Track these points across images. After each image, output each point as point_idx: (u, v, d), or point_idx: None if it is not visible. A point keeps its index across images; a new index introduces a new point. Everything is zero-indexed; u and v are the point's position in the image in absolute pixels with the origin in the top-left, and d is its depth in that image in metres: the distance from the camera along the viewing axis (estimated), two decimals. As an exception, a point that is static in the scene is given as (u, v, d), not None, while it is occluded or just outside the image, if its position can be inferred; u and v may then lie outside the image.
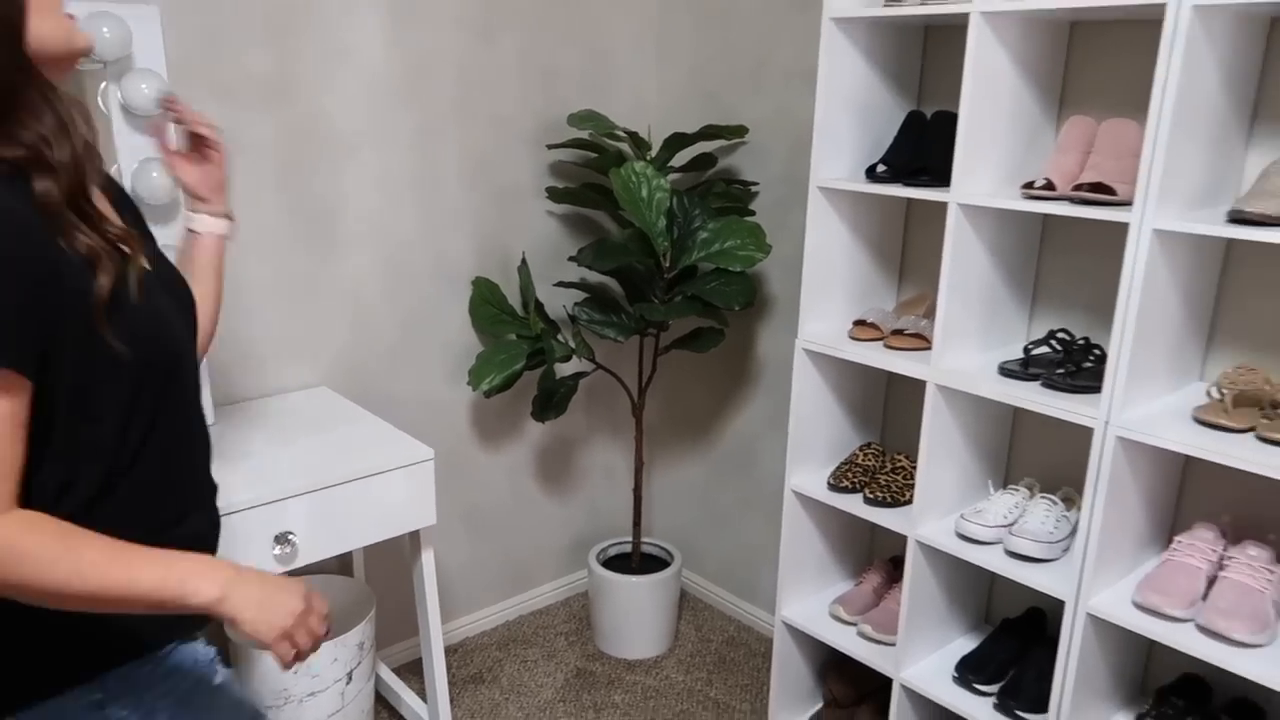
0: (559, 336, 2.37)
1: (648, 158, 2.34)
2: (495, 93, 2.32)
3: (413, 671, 2.43)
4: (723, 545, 2.76)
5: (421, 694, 2.19)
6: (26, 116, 0.86)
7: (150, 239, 1.09)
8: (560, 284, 2.43)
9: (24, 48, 0.86)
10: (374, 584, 2.37)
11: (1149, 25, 1.69)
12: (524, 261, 2.36)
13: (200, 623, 1.06)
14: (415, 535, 1.92)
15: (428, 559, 1.94)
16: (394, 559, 2.41)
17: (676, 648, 2.61)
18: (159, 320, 0.97)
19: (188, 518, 1.03)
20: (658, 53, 2.60)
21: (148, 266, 0.96)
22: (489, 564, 2.64)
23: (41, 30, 0.87)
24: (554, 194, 2.42)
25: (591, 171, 2.44)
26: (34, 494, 0.87)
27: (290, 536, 1.67)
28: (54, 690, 0.93)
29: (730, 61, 2.43)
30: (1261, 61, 1.58)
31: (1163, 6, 1.41)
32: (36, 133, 0.86)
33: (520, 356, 2.26)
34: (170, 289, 1.05)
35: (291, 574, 2.00)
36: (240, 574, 0.93)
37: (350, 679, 1.99)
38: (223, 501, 1.60)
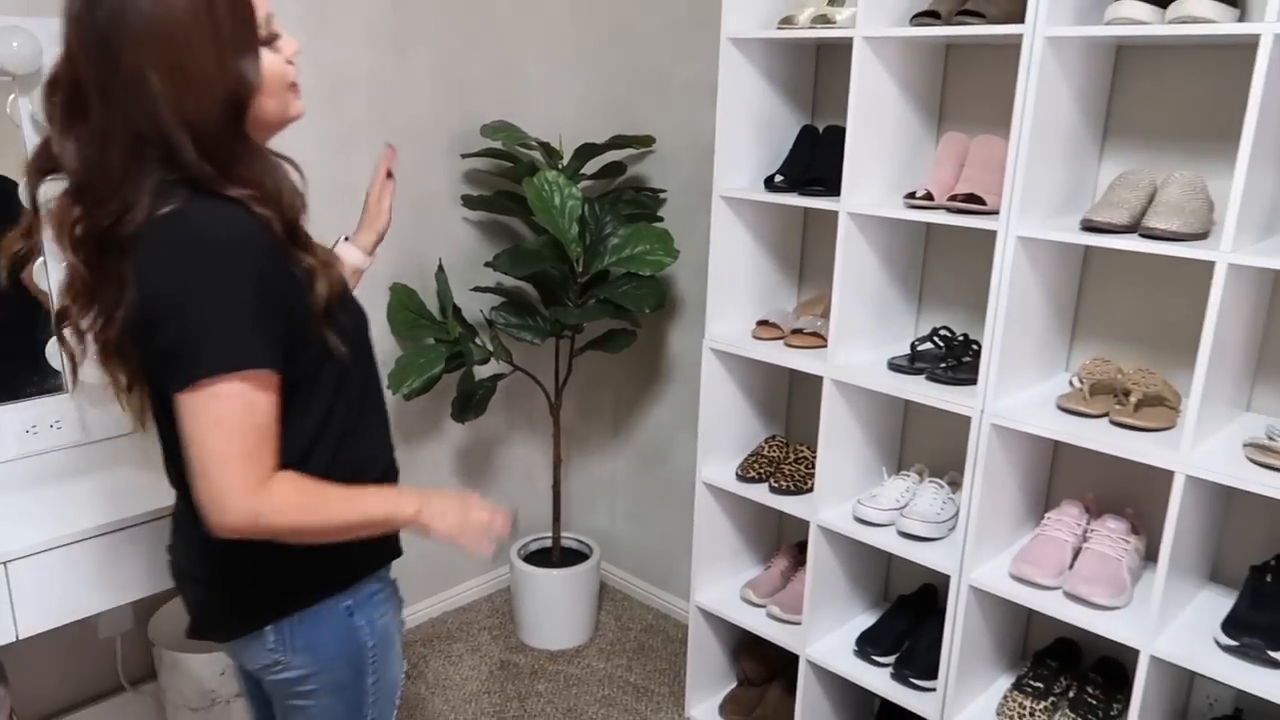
0: (477, 340, 2.45)
1: (559, 167, 2.43)
2: (409, 104, 2.38)
3: (338, 671, 2.47)
4: (639, 537, 2.88)
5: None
6: (243, 169, 1.06)
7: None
8: (477, 289, 2.51)
9: (245, 122, 1.07)
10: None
11: (1014, 49, 1.85)
12: (441, 268, 2.43)
13: (397, 550, 1.37)
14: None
15: (352, 559, 2.00)
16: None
17: (597, 637, 2.71)
18: (356, 316, 1.23)
19: (380, 464, 1.30)
20: (568, 66, 2.69)
21: (346, 278, 1.20)
22: (411, 563, 2.69)
23: (266, 107, 1.10)
24: (469, 202, 2.49)
25: (505, 180, 2.52)
26: (282, 459, 1.09)
27: (217, 541, 1.72)
28: (319, 598, 1.22)
29: (637, 75, 2.54)
30: (1110, 84, 1.75)
31: (1020, 36, 1.57)
32: (255, 178, 1.06)
33: (439, 360, 2.32)
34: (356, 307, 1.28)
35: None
36: (427, 494, 1.21)
37: (277, 679, 2.03)
38: (159, 505, 1.65)
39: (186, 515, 1.19)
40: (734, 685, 2.44)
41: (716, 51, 2.26)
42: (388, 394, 2.45)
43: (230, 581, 1.22)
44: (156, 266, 1.03)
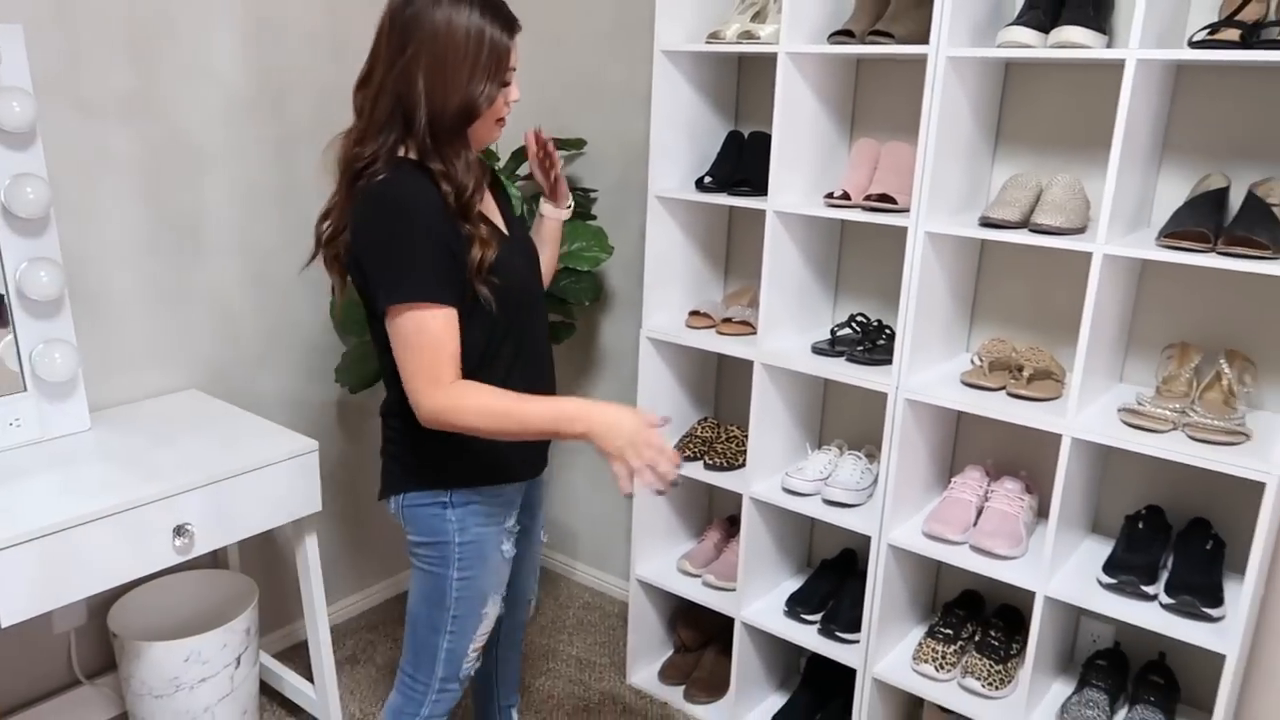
0: (420, 334, 2.54)
1: (497, 167, 2.54)
2: (349, 110, 2.45)
3: (289, 658, 2.54)
4: (577, 521, 3.02)
5: (305, 675, 2.32)
6: (450, 154, 1.43)
7: (519, 223, 1.71)
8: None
9: (468, 128, 1.44)
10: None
11: (919, 65, 2.07)
12: (384, 265, 2.51)
13: (532, 471, 1.67)
14: (299, 522, 2.05)
15: (311, 543, 2.09)
16: (266, 552, 2.51)
17: (538, 616, 2.84)
18: (510, 276, 1.50)
19: (537, 389, 1.53)
20: (499, 69, 2.80)
21: (495, 253, 1.46)
22: (356, 552, 2.78)
23: (480, 130, 1.48)
24: (409, 201, 2.58)
25: (444, 180, 2.62)
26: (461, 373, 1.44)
27: (188, 528, 1.79)
28: (421, 486, 1.56)
29: (568, 81, 2.68)
30: (1001, 98, 1.99)
31: (925, 56, 1.77)
32: (452, 162, 1.42)
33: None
34: (524, 253, 1.62)
35: (186, 565, 2.11)
36: (596, 413, 1.41)
37: (239, 663, 2.10)
38: (121, 499, 1.71)
39: (384, 402, 1.60)
40: (671, 653, 2.62)
41: (644, 59, 2.43)
42: (331, 388, 2.55)
43: (384, 457, 1.62)
44: (365, 219, 1.40)
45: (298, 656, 2.54)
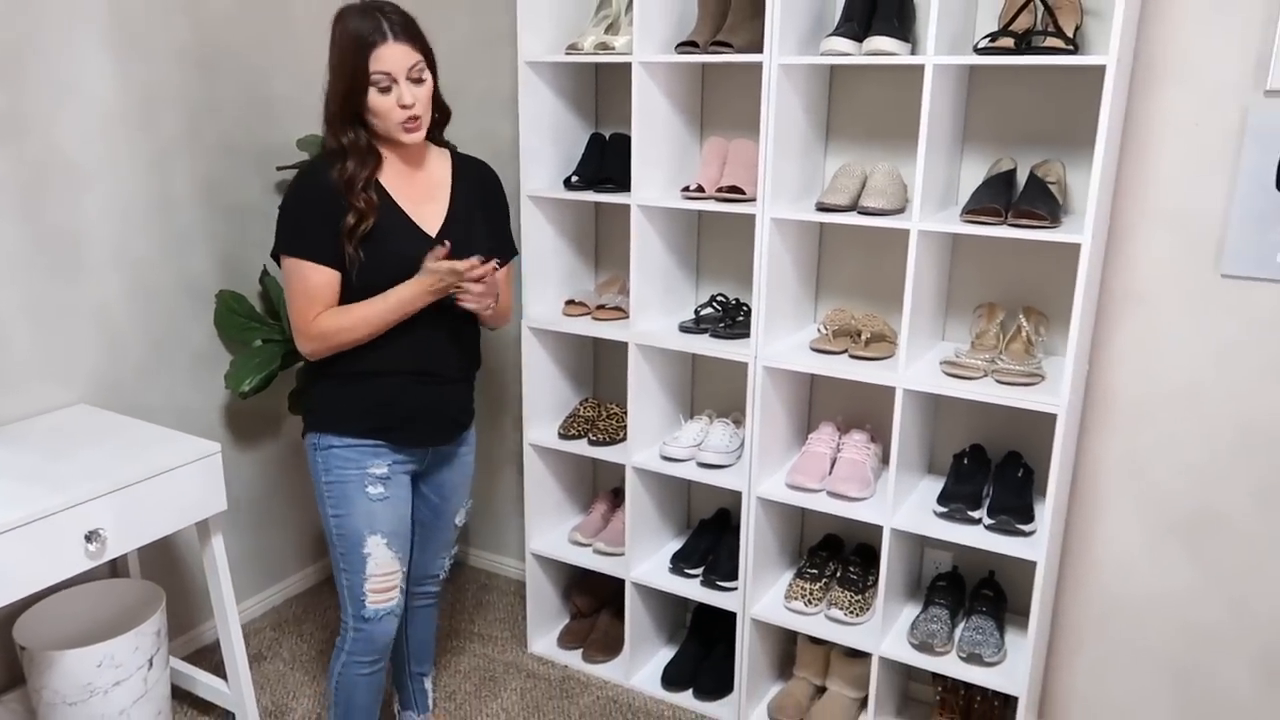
0: (306, 338, 2.64)
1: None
2: (220, 121, 2.53)
3: (194, 661, 2.59)
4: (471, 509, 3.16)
5: (216, 673, 2.39)
6: (343, 140, 1.79)
7: (455, 219, 1.93)
8: (302, 291, 2.70)
9: (358, 119, 1.79)
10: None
11: (757, 71, 2.32)
12: (265, 272, 2.60)
13: (409, 440, 1.92)
14: (204, 523, 2.13)
15: (218, 543, 2.17)
16: (165, 559, 2.56)
17: (439, 602, 2.97)
18: (384, 247, 1.80)
19: (403, 361, 1.88)
20: (366, 80, 2.91)
21: (368, 226, 1.78)
22: (251, 556, 2.84)
23: (375, 122, 1.80)
24: (287, 210, 2.67)
25: (321, 189, 2.72)
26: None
27: (100, 533, 1.86)
28: (306, 430, 1.92)
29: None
30: (828, 98, 2.26)
31: (760, 63, 2.02)
32: (344, 146, 1.79)
33: (276, 357, 2.51)
34: (419, 239, 1.85)
35: (86, 577, 2.14)
36: (409, 281, 1.80)
37: (151, 665, 2.16)
38: (31, 509, 1.78)
39: None
40: (568, 620, 2.80)
41: (505, 67, 2.60)
42: (217, 396, 2.62)
43: None
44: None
45: (203, 660, 2.59)
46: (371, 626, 1.92)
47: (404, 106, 1.76)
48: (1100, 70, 1.72)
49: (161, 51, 2.37)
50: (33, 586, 1.77)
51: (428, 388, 1.91)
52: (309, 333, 1.81)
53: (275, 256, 1.83)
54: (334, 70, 1.77)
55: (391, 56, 1.73)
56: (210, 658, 2.62)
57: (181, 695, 2.46)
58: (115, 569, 2.41)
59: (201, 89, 2.47)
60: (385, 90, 1.75)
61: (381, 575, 1.90)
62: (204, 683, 2.39)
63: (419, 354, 1.88)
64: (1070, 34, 1.83)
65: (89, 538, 1.84)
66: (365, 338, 1.81)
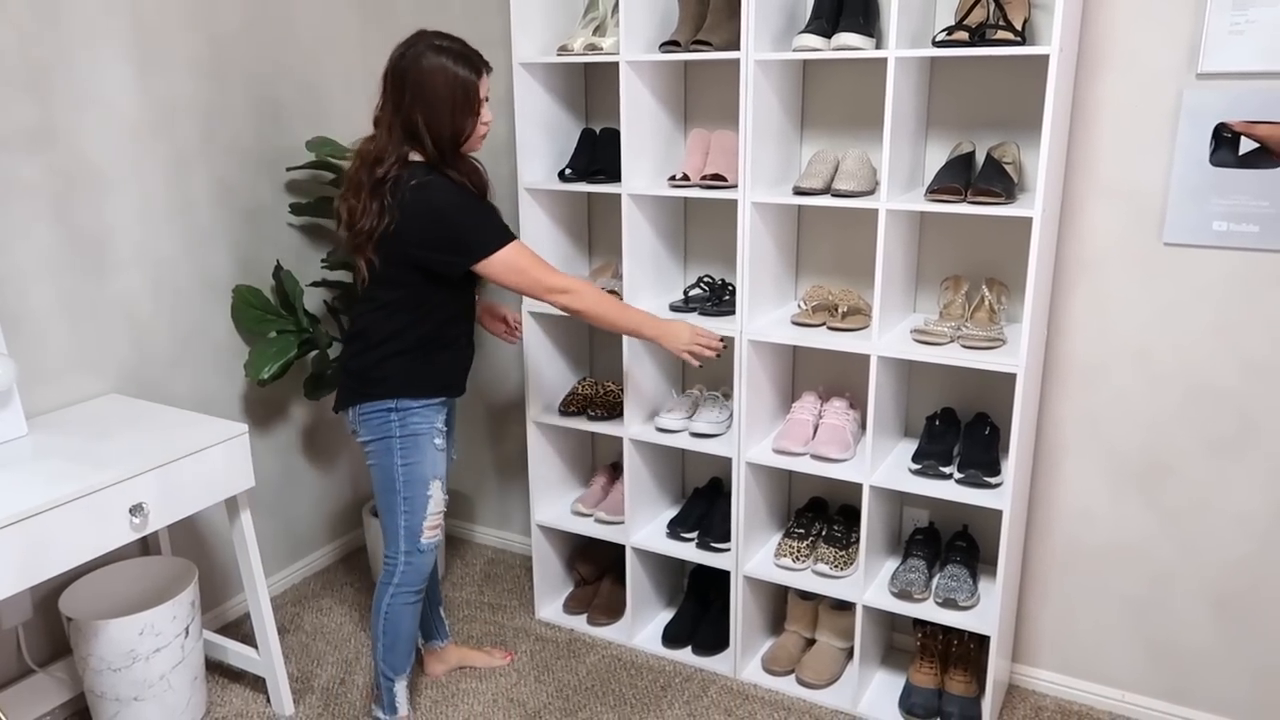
0: (320, 327, 2.80)
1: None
2: (232, 127, 2.70)
3: (223, 634, 2.75)
4: (475, 488, 3.33)
5: (247, 642, 2.55)
6: (458, 163, 2.07)
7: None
8: (314, 284, 2.86)
9: (460, 146, 2.04)
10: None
11: (735, 67, 2.49)
12: (279, 266, 2.76)
13: (456, 392, 2.22)
14: (233, 500, 2.30)
15: (246, 517, 2.33)
16: (193, 539, 2.72)
17: (449, 575, 3.14)
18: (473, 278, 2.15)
19: (460, 344, 2.26)
20: (365, 83, 3.07)
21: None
22: (269, 536, 3.01)
23: (469, 143, 2.06)
24: (297, 209, 2.84)
25: (330, 187, 2.88)
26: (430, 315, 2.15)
27: (144, 506, 2.02)
28: (375, 398, 2.13)
29: (433, 91, 2.98)
30: (802, 90, 2.44)
31: (738, 59, 2.19)
32: (459, 169, 2.07)
33: (292, 346, 2.67)
34: None
35: (121, 555, 2.30)
36: (668, 324, 2.21)
37: (188, 634, 2.33)
38: (80, 485, 1.94)
39: (350, 329, 2.23)
40: (572, 587, 2.98)
41: (500, 68, 2.76)
42: (238, 384, 2.77)
43: (345, 375, 2.21)
44: (425, 213, 1.99)
45: (230, 633, 2.76)
46: (423, 558, 2.22)
47: (486, 123, 2.07)
48: (1045, 59, 1.90)
49: (178, 65, 2.53)
50: (84, 556, 1.93)
51: (469, 350, 2.26)
52: (563, 282, 2.11)
53: (487, 255, 2.03)
54: (443, 105, 1.98)
55: (484, 85, 2.05)
56: (237, 631, 2.78)
57: (213, 666, 2.63)
58: (147, 548, 2.57)
59: (215, 98, 2.63)
60: (479, 114, 2.05)
61: (437, 513, 2.21)
62: (235, 651, 2.56)
63: (472, 325, 2.25)
64: (1019, 26, 2.01)
65: (133, 511, 2.01)
66: (611, 329, 2.21)
